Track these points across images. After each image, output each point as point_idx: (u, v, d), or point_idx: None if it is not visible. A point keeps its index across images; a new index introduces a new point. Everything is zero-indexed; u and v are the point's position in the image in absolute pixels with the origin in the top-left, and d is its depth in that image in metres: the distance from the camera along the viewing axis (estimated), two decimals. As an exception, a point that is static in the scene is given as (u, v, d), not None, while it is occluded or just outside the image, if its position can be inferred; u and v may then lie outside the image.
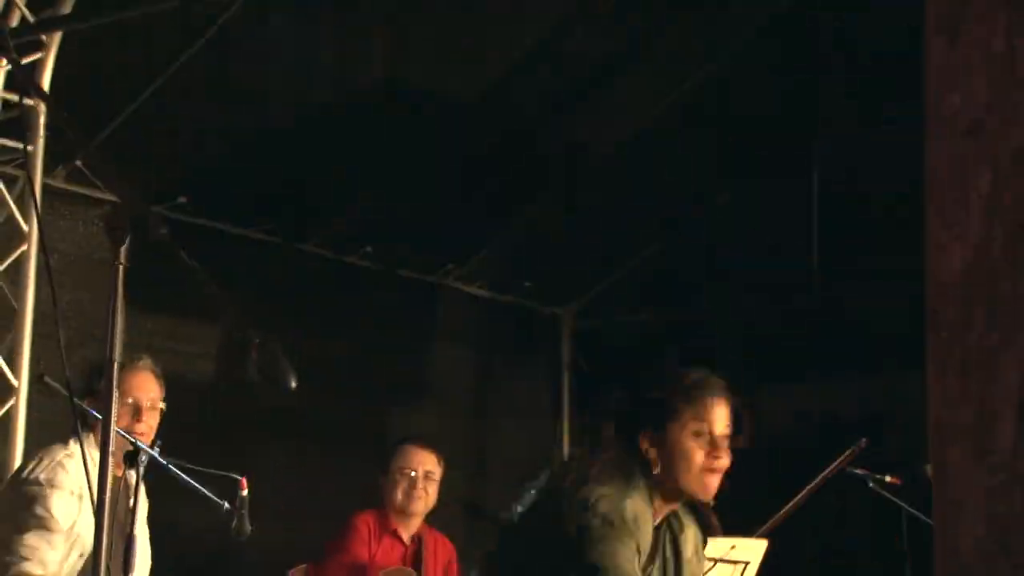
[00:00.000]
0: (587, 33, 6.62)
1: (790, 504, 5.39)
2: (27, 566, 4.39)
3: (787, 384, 7.53)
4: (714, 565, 4.97)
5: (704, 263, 7.95)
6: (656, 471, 3.43)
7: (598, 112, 6.96)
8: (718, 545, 4.90)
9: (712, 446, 3.40)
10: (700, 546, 3.74)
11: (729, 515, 5.70)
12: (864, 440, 5.42)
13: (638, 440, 3.44)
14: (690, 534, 3.66)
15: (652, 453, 3.43)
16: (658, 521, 3.53)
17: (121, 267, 2.68)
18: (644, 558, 3.43)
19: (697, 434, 3.41)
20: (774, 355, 7.54)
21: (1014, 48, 1.54)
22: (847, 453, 5.40)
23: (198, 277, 2.78)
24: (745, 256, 7.75)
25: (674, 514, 3.58)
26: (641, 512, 3.39)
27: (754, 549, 5.21)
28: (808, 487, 5.40)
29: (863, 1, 6.68)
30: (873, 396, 6.88)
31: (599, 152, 7.33)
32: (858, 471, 5.43)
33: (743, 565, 5.10)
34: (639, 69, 7.07)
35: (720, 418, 3.43)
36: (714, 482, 3.43)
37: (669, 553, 3.61)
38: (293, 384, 2.77)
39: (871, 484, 5.44)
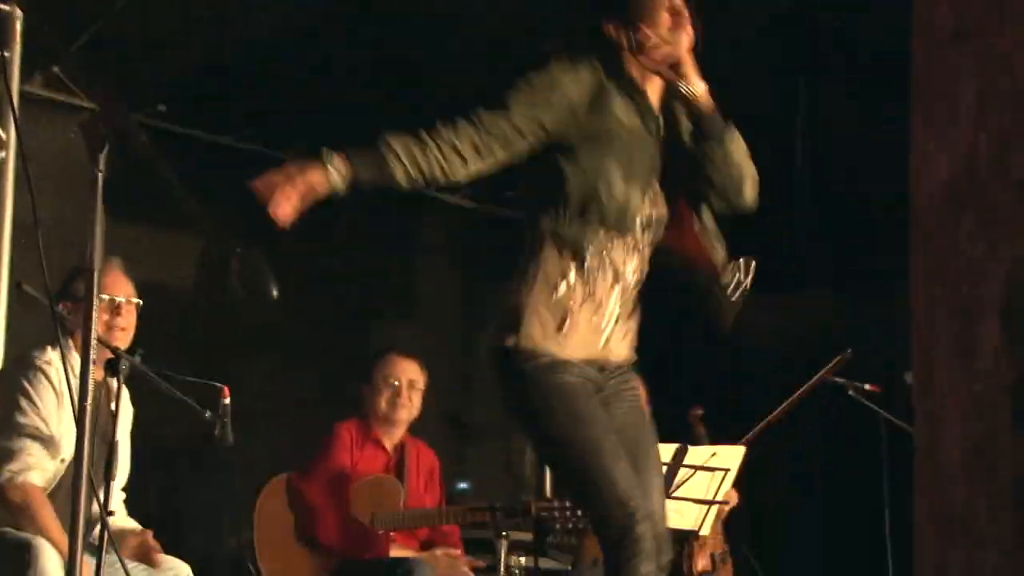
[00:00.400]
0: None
1: (775, 412, 5.47)
2: (22, 477, 4.42)
3: (773, 295, 7.62)
4: (694, 473, 5.23)
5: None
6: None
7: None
8: (699, 453, 5.33)
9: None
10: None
11: (716, 424, 5.80)
12: (850, 351, 5.49)
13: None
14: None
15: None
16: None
17: (100, 175, 2.67)
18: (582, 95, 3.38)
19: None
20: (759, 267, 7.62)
21: None
22: (832, 363, 5.48)
23: (175, 193, 2.78)
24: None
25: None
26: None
27: (733, 456, 5.30)
28: (792, 397, 5.48)
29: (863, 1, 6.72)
30: (857, 308, 6.94)
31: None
32: (839, 380, 5.50)
33: (723, 472, 5.17)
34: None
35: None
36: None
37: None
38: (275, 294, 2.80)
39: (851, 392, 5.51)
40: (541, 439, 3.63)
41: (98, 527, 4.31)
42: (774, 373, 6.11)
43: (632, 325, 3.55)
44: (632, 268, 3.46)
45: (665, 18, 3.48)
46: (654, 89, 3.51)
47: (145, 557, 4.58)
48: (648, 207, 3.50)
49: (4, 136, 5.29)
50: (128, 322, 4.52)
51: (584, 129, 3.35)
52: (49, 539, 4.36)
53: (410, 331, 6.78)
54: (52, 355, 4.51)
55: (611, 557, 3.35)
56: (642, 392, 3.63)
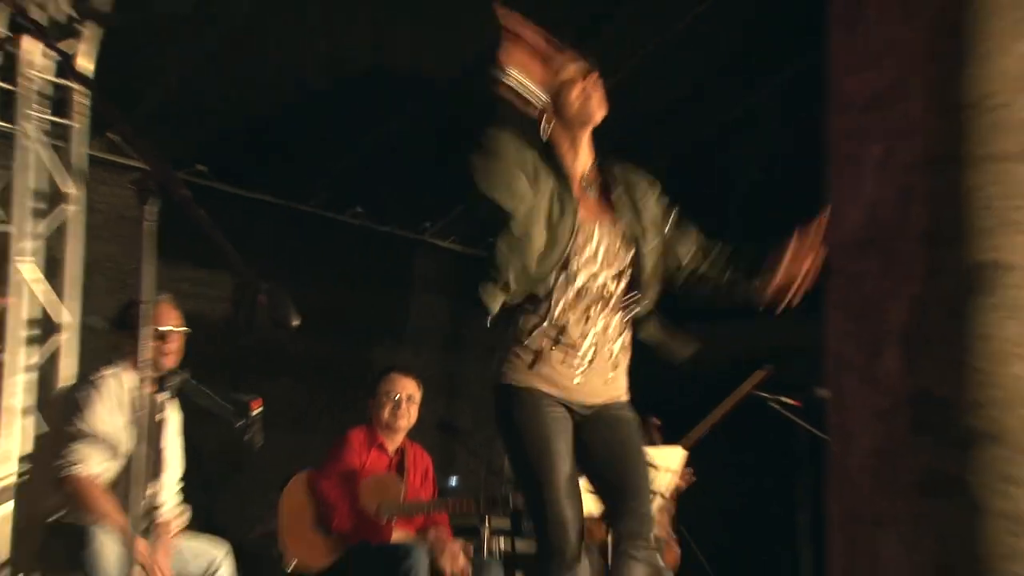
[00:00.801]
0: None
1: (705, 421, 5.43)
2: (76, 470, 4.43)
3: (706, 323, 7.59)
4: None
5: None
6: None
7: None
8: (652, 453, 5.22)
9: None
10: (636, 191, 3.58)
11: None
12: (769, 367, 5.44)
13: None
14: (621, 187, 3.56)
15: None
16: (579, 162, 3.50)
17: (148, 223, 2.75)
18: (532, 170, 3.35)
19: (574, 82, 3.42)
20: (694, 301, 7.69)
21: (908, 37, 1.44)
22: (753, 378, 5.43)
23: (213, 238, 2.85)
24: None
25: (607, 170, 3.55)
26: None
27: (674, 456, 5.30)
28: (718, 407, 5.43)
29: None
30: (777, 335, 6.85)
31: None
32: (763, 394, 5.46)
33: (667, 471, 5.13)
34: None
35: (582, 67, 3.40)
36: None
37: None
38: (295, 323, 2.85)
39: (774, 405, 5.46)
40: (512, 462, 3.54)
41: (148, 514, 4.37)
42: (715, 391, 5.94)
43: (619, 372, 3.47)
44: (605, 325, 3.42)
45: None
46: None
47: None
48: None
49: (70, 192, 5.29)
50: (174, 348, 4.58)
51: None
52: (105, 520, 4.36)
53: (406, 353, 6.89)
54: (107, 373, 4.58)
55: (542, 567, 3.33)
56: (632, 416, 3.51)
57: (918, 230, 1.42)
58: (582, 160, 3.50)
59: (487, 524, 5.29)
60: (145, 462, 4.28)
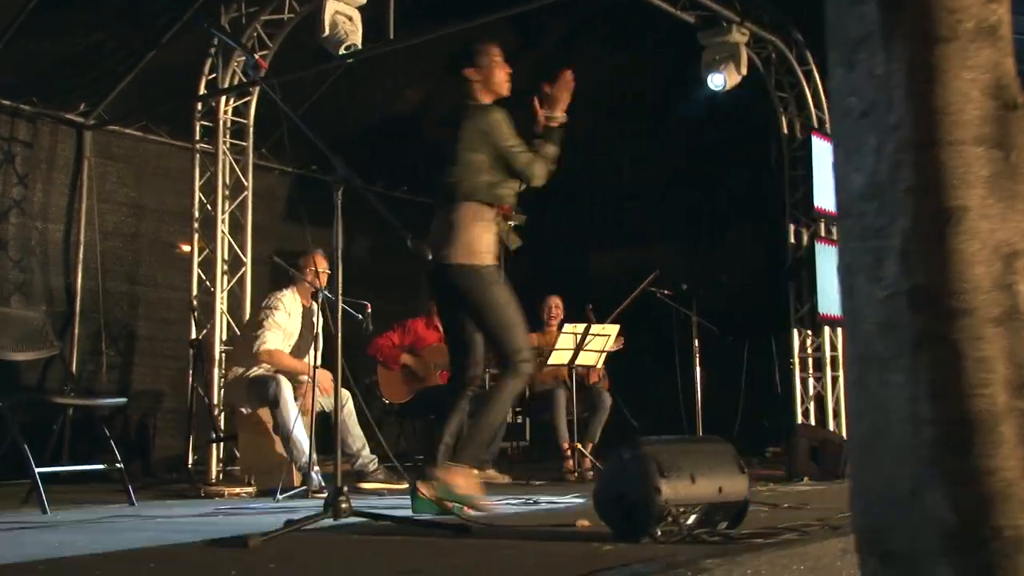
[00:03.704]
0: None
1: (620, 307, 6.89)
2: (264, 345, 5.77)
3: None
4: (594, 339, 6.65)
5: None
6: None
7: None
8: (596, 328, 6.67)
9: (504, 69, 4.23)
10: None
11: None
12: (657, 271, 6.90)
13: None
14: None
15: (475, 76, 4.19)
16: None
17: (339, 202, 3.38)
18: None
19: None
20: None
21: (888, 72, 1.60)
22: (648, 278, 6.92)
23: (377, 207, 3.50)
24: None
25: None
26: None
27: (613, 329, 6.74)
28: (628, 298, 6.93)
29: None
30: (665, 257, 8.18)
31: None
32: (652, 289, 6.97)
33: (606, 337, 6.68)
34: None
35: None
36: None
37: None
38: (430, 255, 3.67)
39: (658, 295, 7.02)
40: (488, 312, 4.00)
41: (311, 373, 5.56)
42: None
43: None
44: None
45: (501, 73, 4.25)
46: None
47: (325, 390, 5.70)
48: None
49: (247, 183, 7.26)
50: (324, 278, 5.57)
51: None
52: (288, 369, 5.64)
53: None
54: (286, 291, 5.97)
55: (505, 372, 4.02)
56: None
57: (906, 186, 1.58)
58: None
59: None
60: (307, 343, 5.86)
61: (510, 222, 4.12)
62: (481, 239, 3.98)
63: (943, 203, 1.55)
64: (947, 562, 1.52)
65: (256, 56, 3.64)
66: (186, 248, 7.61)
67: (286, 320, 5.89)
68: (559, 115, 4.16)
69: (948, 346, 1.52)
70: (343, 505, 3.19)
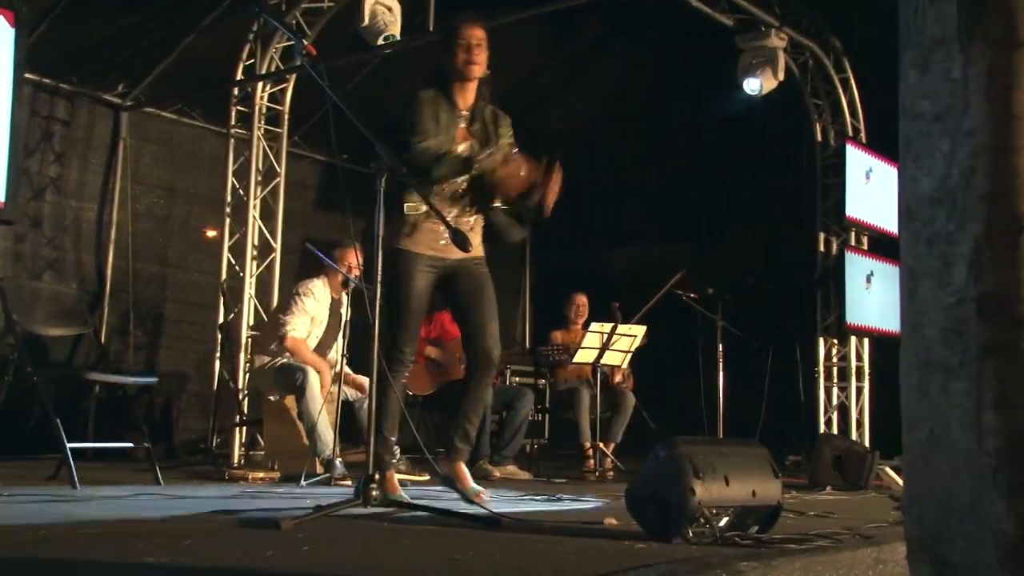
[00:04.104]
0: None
1: (646, 307, 6.79)
2: (290, 333, 5.75)
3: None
4: (620, 338, 6.56)
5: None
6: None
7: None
8: (623, 328, 6.56)
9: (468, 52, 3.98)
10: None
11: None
12: (682, 271, 6.73)
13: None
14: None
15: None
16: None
17: (382, 189, 3.29)
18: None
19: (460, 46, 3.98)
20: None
21: (966, 76, 1.59)
22: (674, 279, 6.75)
23: (422, 191, 3.68)
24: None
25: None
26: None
27: (639, 330, 6.65)
28: (653, 299, 6.78)
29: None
30: (691, 258, 8.01)
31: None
32: (677, 291, 6.81)
33: (632, 338, 6.62)
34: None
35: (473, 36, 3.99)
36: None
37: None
38: (469, 249, 3.57)
39: (684, 298, 6.86)
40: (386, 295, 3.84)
41: (337, 366, 5.63)
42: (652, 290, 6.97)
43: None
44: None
45: (460, 55, 3.98)
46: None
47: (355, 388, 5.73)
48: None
49: (280, 169, 7.30)
50: (356, 274, 5.56)
51: None
52: (307, 363, 5.62)
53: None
54: (315, 279, 5.94)
55: (385, 363, 3.65)
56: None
57: (980, 193, 1.57)
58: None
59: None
60: (335, 333, 5.83)
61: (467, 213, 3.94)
62: (401, 221, 3.91)
63: (1018, 210, 1.53)
64: (1006, 575, 1.48)
65: (305, 42, 3.58)
66: (211, 233, 7.65)
67: (315, 308, 5.90)
68: (543, 208, 3.95)
69: (1016, 355, 1.50)
70: (374, 492, 3.18)
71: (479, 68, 3.97)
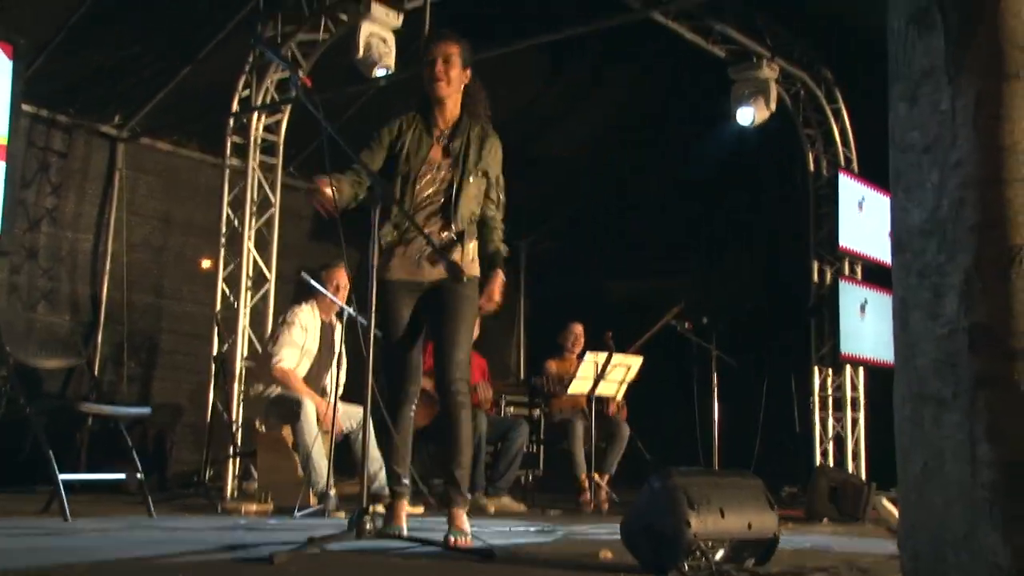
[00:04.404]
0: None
1: (643, 338, 6.83)
2: (280, 364, 5.67)
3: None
4: (613, 368, 6.54)
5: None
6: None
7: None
8: (617, 358, 6.53)
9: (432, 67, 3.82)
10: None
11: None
12: (681, 304, 6.75)
13: None
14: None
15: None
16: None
17: (376, 220, 3.32)
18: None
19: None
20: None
21: (954, 108, 1.60)
22: (672, 311, 6.81)
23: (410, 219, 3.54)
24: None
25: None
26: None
27: (635, 360, 6.63)
28: (651, 330, 6.86)
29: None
30: (685, 289, 7.99)
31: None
32: (673, 322, 6.82)
33: (626, 368, 6.59)
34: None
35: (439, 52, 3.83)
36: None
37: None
38: (464, 279, 3.54)
39: (678, 328, 6.85)
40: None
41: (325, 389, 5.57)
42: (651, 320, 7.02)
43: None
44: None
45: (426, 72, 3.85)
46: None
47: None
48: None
49: (274, 199, 7.24)
50: (344, 294, 5.61)
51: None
52: (298, 393, 5.51)
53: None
54: (304, 306, 5.84)
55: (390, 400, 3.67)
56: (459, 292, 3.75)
57: (970, 224, 1.58)
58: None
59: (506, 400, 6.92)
60: (327, 364, 5.71)
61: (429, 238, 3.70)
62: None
63: (1008, 241, 1.53)
64: (1001, 608, 1.45)
65: (301, 75, 3.59)
66: (206, 263, 7.60)
67: (302, 336, 5.83)
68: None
69: (1008, 386, 1.50)
70: (367, 526, 3.15)
71: (444, 84, 3.81)
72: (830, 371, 8.40)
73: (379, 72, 6.73)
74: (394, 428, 3.63)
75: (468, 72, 3.90)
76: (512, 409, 7.62)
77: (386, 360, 3.74)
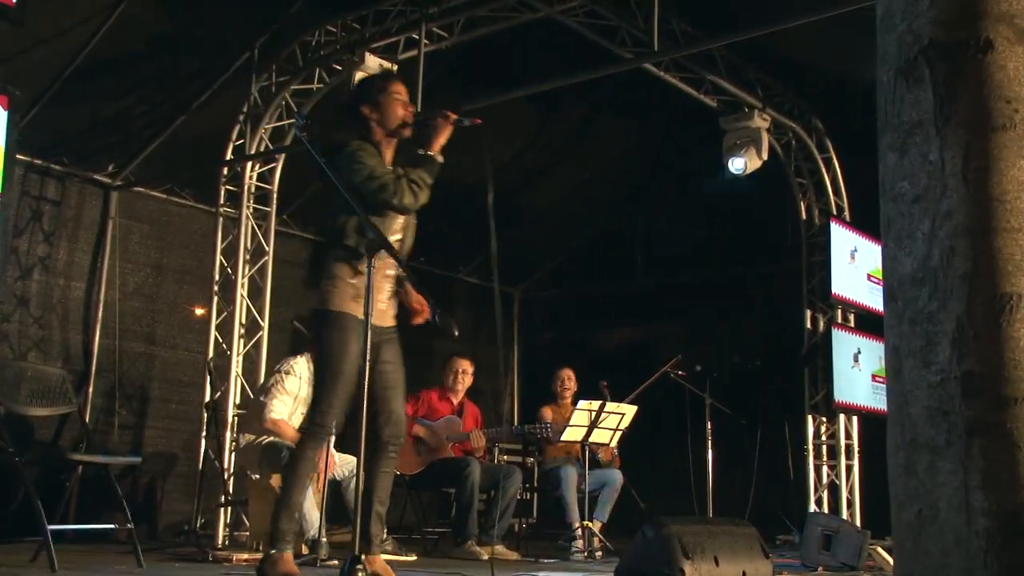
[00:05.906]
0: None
1: (640, 387, 6.78)
2: (271, 415, 5.73)
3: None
4: (608, 416, 6.49)
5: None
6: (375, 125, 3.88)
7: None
8: (611, 407, 6.51)
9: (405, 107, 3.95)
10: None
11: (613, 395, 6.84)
12: (680, 356, 6.82)
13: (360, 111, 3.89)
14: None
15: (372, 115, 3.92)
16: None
17: (371, 267, 3.39)
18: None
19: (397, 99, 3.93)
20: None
21: (943, 159, 1.61)
22: (671, 362, 6.82)
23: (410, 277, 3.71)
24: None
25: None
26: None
27: (630, 410, 6.60)
28: (649, 380, 6.81)
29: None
30: (678, 336, 8.30)
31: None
32: (670, 371, 6.88)
33: (620, 416, 6.54)
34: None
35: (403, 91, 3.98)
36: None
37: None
38: (456, 332, 3.74)
39: (672, 376, 6.92)
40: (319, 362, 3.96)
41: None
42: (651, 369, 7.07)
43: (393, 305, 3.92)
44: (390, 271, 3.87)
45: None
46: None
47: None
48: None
49: (267, 247, 7.30)
50: None
51: None
52: (292, 443, 5.34)
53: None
54: (298, 358, 5.93)
55: (305, 436, 3.90)
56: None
57: (960, 273, 1.59)
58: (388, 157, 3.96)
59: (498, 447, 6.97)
60: None
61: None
62: (348, 286, 3.83)
63: (999, 289, 1.54)
64: (998, 660, 1.44)
65: (304, 119, 3.64)
66: (199, 311, 7.61)
67: (296, 387, 5.84)
68: (434, 152, 3.85)
69: (1002, 434, 1.50)
70: (360, 574, 3.13)
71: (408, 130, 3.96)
72: (824, 419, 8.38)
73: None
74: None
75: None
76: (506, 457, 7.63)
77: (323, 390, 3.79)
